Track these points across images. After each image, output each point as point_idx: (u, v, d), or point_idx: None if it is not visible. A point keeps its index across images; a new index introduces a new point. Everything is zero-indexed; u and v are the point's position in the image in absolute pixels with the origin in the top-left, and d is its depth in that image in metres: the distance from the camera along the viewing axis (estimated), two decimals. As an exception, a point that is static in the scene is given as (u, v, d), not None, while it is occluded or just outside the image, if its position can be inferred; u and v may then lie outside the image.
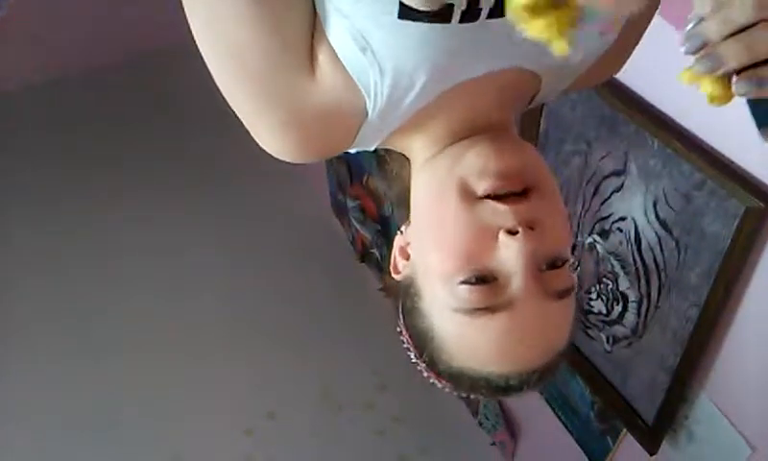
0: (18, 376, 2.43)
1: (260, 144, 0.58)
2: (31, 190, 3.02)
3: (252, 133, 0.58)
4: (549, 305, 0.55)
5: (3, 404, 2.35)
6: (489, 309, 0.54)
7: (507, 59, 0.56)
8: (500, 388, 0.59)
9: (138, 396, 2.38)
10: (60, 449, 2.25)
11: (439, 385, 0.63)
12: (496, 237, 0.54)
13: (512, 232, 0.53)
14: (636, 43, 0.70)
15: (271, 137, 0.57)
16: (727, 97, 0.38)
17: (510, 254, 0.53)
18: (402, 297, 0.63)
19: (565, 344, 0.59)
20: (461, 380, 0.60)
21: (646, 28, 0.69)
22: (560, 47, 0.33)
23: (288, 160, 0.60)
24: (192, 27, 0.53)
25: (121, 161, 3.16)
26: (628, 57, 0.71)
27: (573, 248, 1.53)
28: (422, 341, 0.61)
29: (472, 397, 0.63)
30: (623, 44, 0.65)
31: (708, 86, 0.37)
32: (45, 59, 3.42)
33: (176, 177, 3.10)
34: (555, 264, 0.55)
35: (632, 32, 0.66)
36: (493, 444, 2.22)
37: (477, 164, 0.55)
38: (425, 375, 0.64)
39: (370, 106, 0.55)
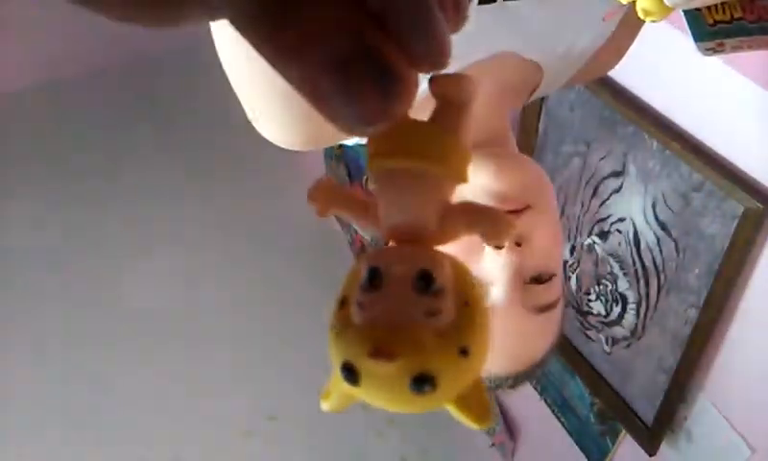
0: (17, 376, 2.43)
1: (265, 136, 0.58)
2: (30, 190, 3.02)
3: (257, 126, 0.58)
4: (529, 319, 0.56)
5: (2, 405, 2.34)
6: None
7: (517, 42, 0.57)
8: None
9: (138, 397, 2.38)
10: (59, 450, 2.25)
11: None
12: (484, 248, 0.54)
13: (498, 246, 0.54)
14: (633, 39, 0.70)
15: (281, 131, 0.57)
16: (661, 11, 0.37)
17: (493, 266, 0.54)
18: None
19: (543, 355, 0.60)
20: None
21: (642, 24, 0.69)
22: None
23: (291, 149, 0.60)
24: (218, 38, 0.52)
25: (121, 162, 3.16)
26: (624, 52, 0.71)
27: (572, 249, 1.53)
28: None
29: None
30: (620, 38, 0.65)
31: (642, 1, 0.36)
32: (45, 60, 3.42)
33: (175, 178, 3.10)
34: (539, 279, 0.56)
35: (629, 26, 0.66)
36: (493, 445, 2.22)
37: (478, 183, 0.55)
38: None
39: None
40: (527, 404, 2.01)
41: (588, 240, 1.47)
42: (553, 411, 1.85)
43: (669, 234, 1.27)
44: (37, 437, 2.27)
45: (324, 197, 0.16)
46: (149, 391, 2.41)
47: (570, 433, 1.80)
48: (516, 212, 0.54)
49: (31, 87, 3.37)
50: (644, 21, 0.70)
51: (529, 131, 1.51)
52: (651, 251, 1.32)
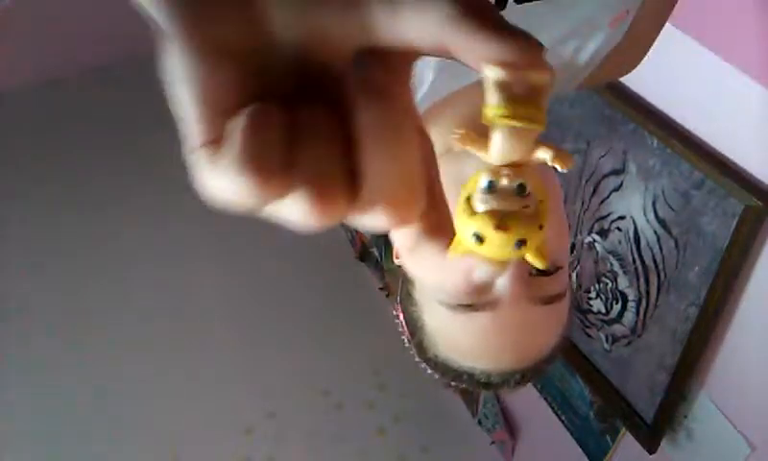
0: (18, 377, 2.43)
1: None
2: (30, 190, 3.02)
3: None
4: (533, 310, 0.55)
5: (1, 405, 2.35)
6: (471, 307, 0.55)
7: None
8: (482, 383, 0.60)
9: (138, 395, 2.38)
10: (59, 450, 2.25)
11: (429, 371, 0.64)
12: None
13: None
14: (654, 38, 0.69)
15: None
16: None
17: None
18: (401, 281, 0.65)
19: (550, 350, 0.60)
20: (446, 369, 0.61)
21: (662, 24, 0.68)
22: None
23: None
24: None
25: (121, 161, 3.16)
26: (645, 51, 0.70)
27: (572, 247, 1.53)
28: (413, 327, 0.62)
29: (460, 385, 0.63)
30: (637, 37, 0.64)
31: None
32: (44, 58, 3.42)
33: (176, 176, 3.09)
34: (545, 271, 0.55)
35: (646, 25, 0.66)
36: (493, 443, 2.22)
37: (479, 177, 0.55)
38: (416, 359, 0.65)
39: None
40: (527, 402, 2.01)
41: (589, 238, 1.47)
42: (553, 409, 1.85)
43: (669, 232, 1.27)
44: (37, 436, 2.27)
45: (465, 137, 0.25)
46: (148, 389, 2.41)
47: (570, 431, 1.80)
48: None
49: (31, 87, 3.36)
50: (664, 18, 0.69)
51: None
52: (651, 249, 1.32)
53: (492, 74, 0.23)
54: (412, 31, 0.21)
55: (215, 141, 0.21)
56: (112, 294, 2.68)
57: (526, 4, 0.53)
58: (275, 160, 0.20)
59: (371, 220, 0.23)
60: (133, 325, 2.58)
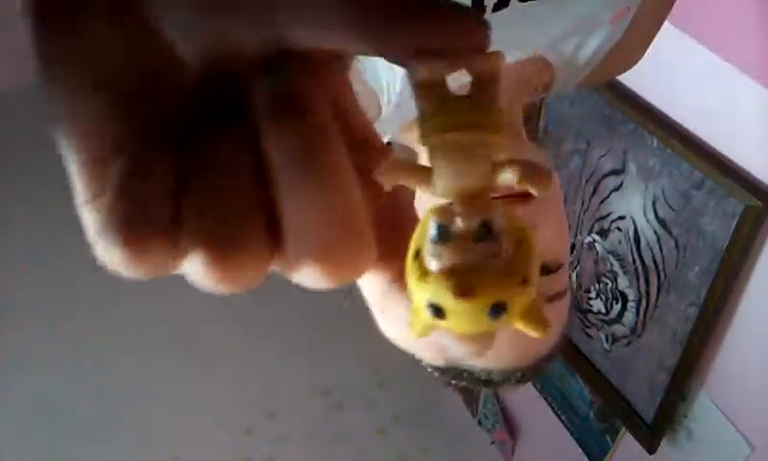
0: (17, 377, 2.43)
1: None
2: (29, 190, 3.02)
3: None
4: None
5: (1, 405, 2.35)
6: None
7: (527, 46, 0.56)
8: (482, 380, 0.60)
9: (137, 395, 2.38)
10: (59, 450, 2.25)
11: (429, 369, 0.64)
12: None
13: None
14: (654, 35, 0.69)
15: None
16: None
17: None
18: None
19: (550, 349, 0.60)
20: (446, 368, 0.61)
21: (662, 21, 0.68)
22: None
23: None
24: None
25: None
26: (637, 56, 0.70)
27: (572, 247, 1.53)
28: None
29: (460, 383, 0.63)
30: (631, 42, 0.65)
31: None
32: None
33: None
34: (547, 269, 0.56)
35: (647, 22, 0.65)
36: (493, 443, 2.22)
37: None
38: (417, 357, 0.64)
39: (383, 102, 0.56)
40: (527, 402, 2.01)
41: (589, 238, 1.47)
42: (553, 409, 1.85)
43: (669, 232, 1.27)
44: (37, 435, 2.27)
45: (390, 172, 0.18)
46: (148, 389, 2.41)
47: (570, 431, 1.80)
48: (520, 201, 0.54)
49: (31, 87, 3.36)
50: (658, 28, 0.70)
51: (530, 128, 1.51)
52: (651, 249, 1.32)
53: (415, 73, 0.17)
54: (320, 32, 0.16)
55: (99, 196, 0.18)
56: (112, 294, 2.68)
57: (526, 3, 0.53)
58: (154, 224, 0.16)
59: (301, 278, 0.18)
60: (133, 325, 2.57)
